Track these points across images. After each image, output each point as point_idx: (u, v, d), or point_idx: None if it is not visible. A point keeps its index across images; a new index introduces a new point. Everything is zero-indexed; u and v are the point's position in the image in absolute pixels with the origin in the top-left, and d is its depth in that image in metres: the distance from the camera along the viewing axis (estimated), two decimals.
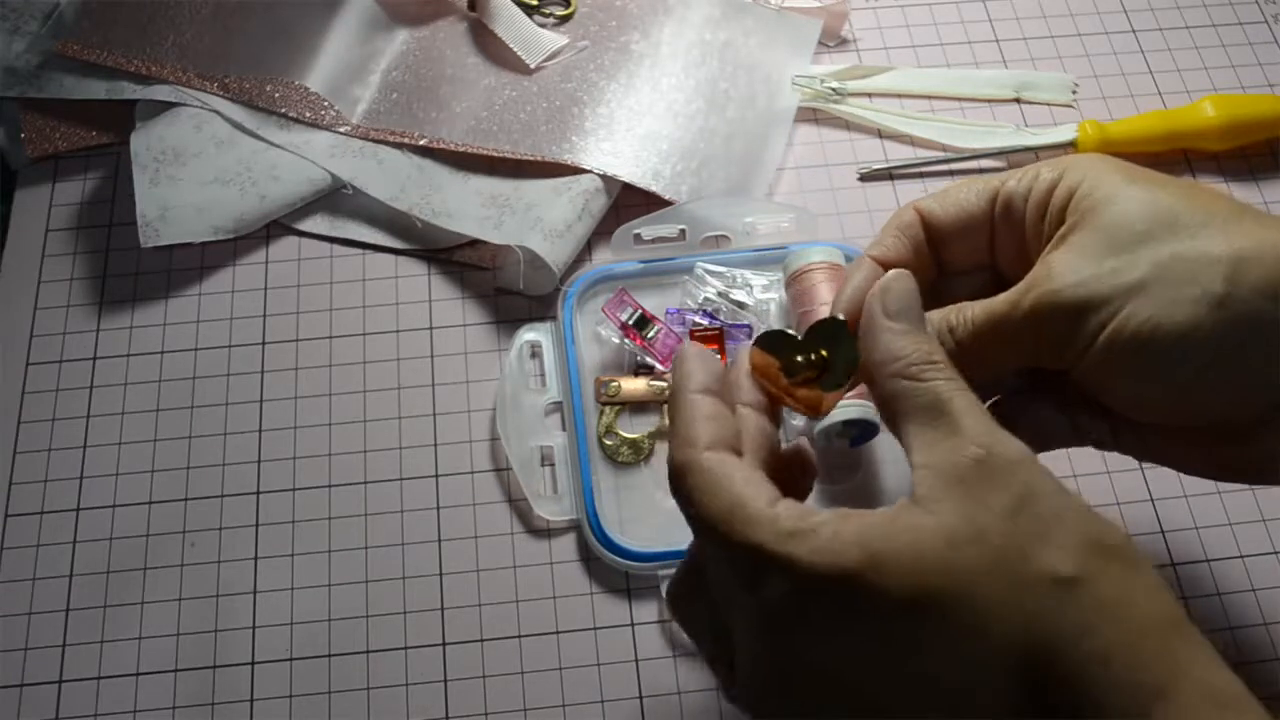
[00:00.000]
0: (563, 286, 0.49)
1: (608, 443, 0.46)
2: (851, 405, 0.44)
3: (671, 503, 0.32)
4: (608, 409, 0.47)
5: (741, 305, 0.48)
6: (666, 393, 0.46)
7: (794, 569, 0.28)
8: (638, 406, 0.47)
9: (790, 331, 0.34)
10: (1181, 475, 0.46)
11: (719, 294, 0.48)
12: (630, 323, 0.47)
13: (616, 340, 0.48)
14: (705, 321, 0.48)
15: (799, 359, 0.33)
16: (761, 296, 0.48)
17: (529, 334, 0.48)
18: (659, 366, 0.47)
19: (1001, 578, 0.27)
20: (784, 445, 0.34)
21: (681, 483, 0.31)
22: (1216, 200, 0.34)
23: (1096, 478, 0.47)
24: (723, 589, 0.31)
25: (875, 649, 0.28)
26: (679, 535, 0.43)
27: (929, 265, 0.37)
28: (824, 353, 0.33)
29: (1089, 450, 0.47)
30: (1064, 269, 0.33)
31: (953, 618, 0.27)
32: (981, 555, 0.27)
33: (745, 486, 0.30)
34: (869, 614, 0.28)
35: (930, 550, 0.27)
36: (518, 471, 0.45)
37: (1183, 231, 0.33)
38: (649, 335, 0.47)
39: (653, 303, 0.48)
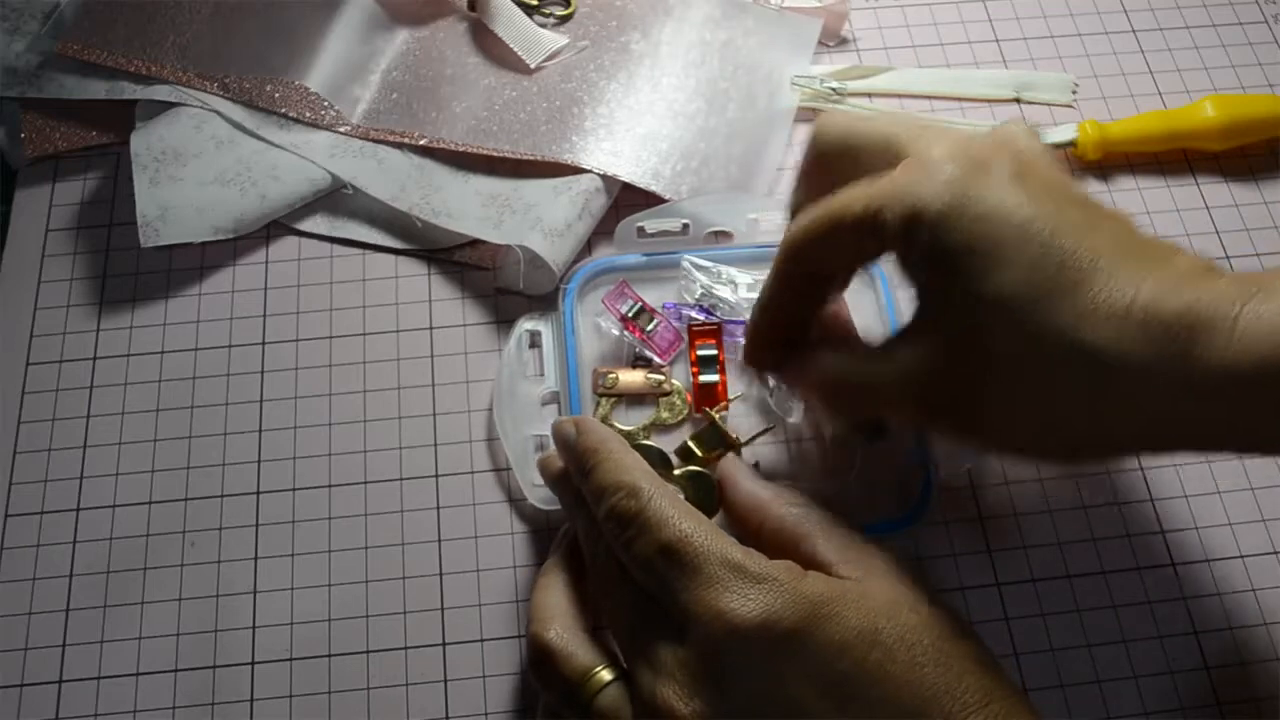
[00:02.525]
0: (562, 284, 0.49)
1: None
2: None
3: None
4: (604, 400, 0.47)
5: (724, 301, 0.48)
6: (663, 386, 0.46)
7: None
8: (634, 399, 0.47)
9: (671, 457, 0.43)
10: (1181, 475, 0.47)
11: (703, 289, 0.48)
12: (630, 315, 0.47)
13: (616, 332, 0.48)
14: (701, 317, 0.48)
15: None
16: (746, 295, 0.49)
17: (528, 324, 0.48)
18: (657, 360, 0.47)
19: None
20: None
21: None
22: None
23: (1097, 478, 0.47)
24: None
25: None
26: None
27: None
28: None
29: None
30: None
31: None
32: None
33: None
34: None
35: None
36: (512, 460, 0.45)
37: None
38: (648, 328, 0.47)
39: (654, 296, 0.49)
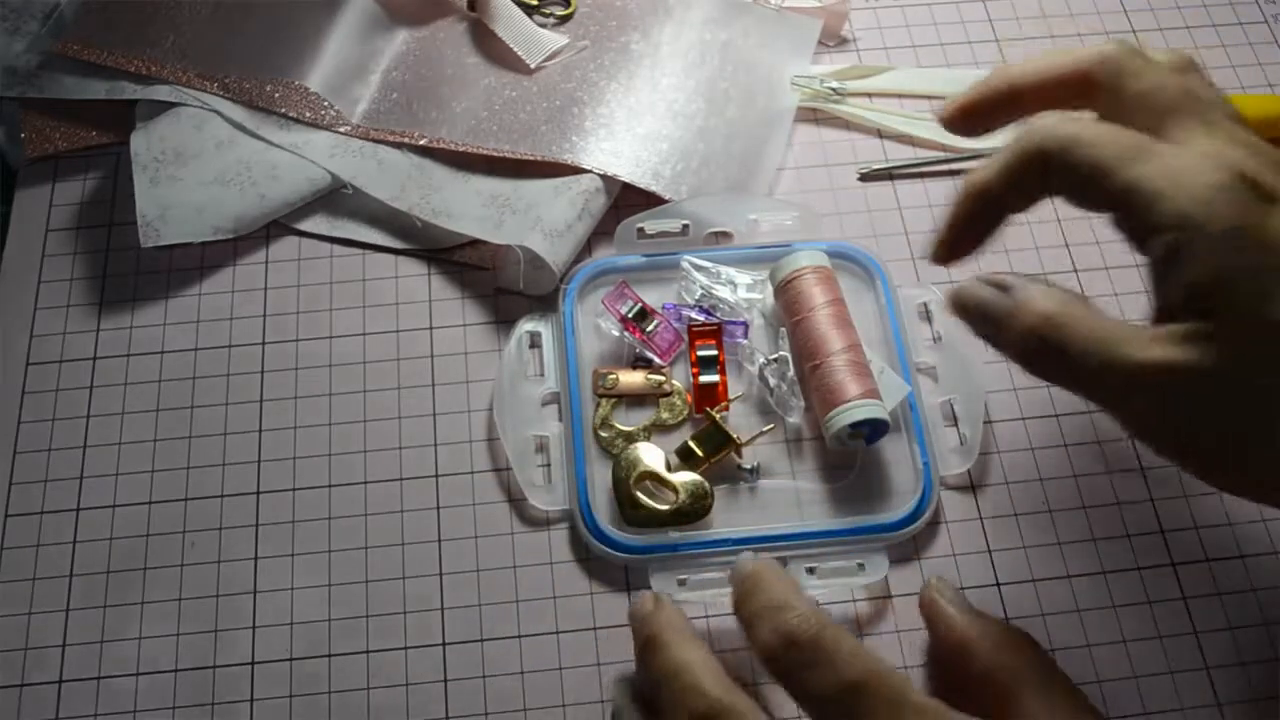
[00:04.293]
0: (563, 285, 0.49)
1: (603, 434, 0.46)
2: (859, 406, 0.44)
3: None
4: (604, 401, 0.47)
5: (724, 302, 0.48)
6: (663, 387, 0.47)
7: None
8: (634, 399, 0.47)
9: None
10: (1181, 475, 0.47)
11: (703, 290, 0.48)
12: (630, 316, 0.47)
13: (616, 333, 0.48)
14: (702, 318, 0.48)
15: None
16: (745, 295, 0.49)
17: (529, 324, 0.48)
18: (657, 360, 0.47)
19: None
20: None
21: None
22: None
23: (1096, 478, 0.47)
24: None
25: None
26: (670, 529, 0.43)
27: None
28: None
29: (1089, 450, 0.47)
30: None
31: None
32: None
33: None
34: None
35: None
36: (512, 459, 0.45)
37: None
38: (648, 329, 0.47)
39: (654, 297, 0.49)
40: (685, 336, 0.48)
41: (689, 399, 0.47)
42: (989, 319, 0.36)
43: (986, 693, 0.37)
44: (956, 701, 0.34)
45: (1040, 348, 0.34)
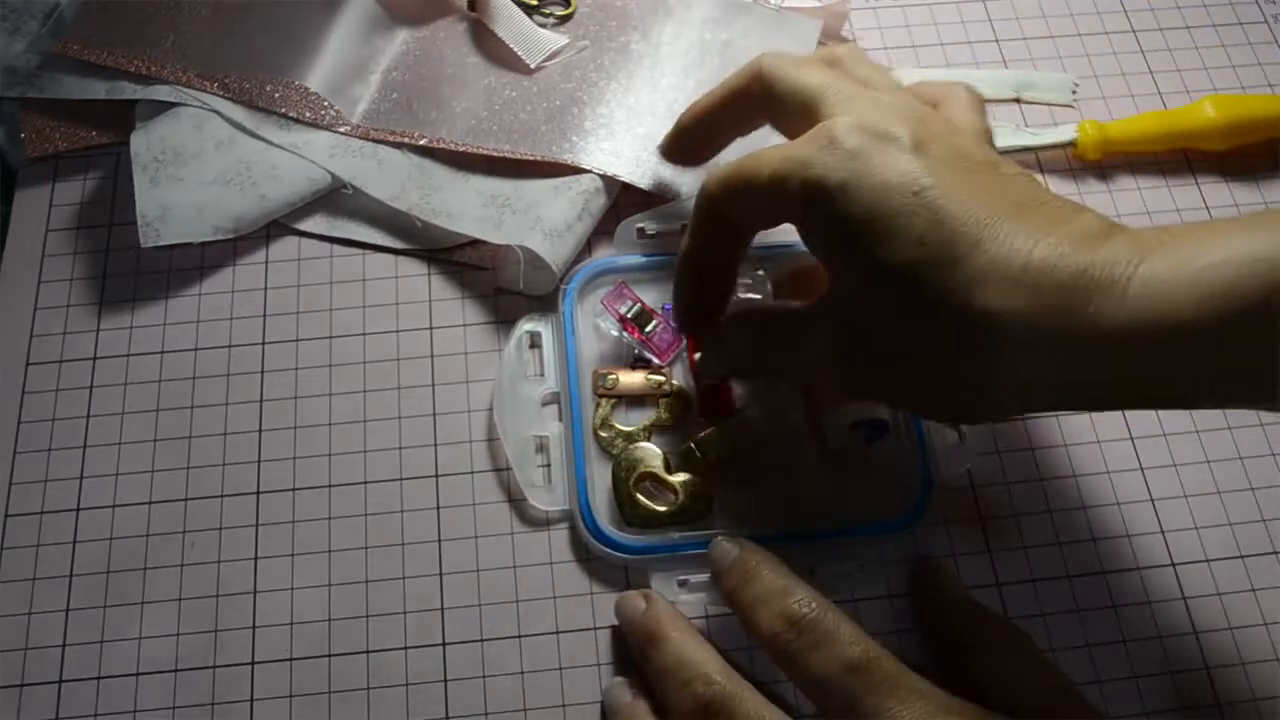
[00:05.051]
0: (562, 285, 0.49)
1: (603, 435, 0.46)
2: (859, 405, 0.44)
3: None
4: (604, 401, 0.47)
5: None
6: (663, 387, 0.46)
7: None
8: (634, 400, 0.47)
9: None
10: (1181, 475, 0.47)
11: None
12: (629, 316, 0.47)
13: (615, 334, 0.48)
14: None
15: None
16: (745, 295, 0.48)
17: (529, 324, 0.48)
18: (657, 361, 0.47)
19: None
20: None
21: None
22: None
23: (1097, 478, 0.47)
24: None
25: None
26: (670, 530, 0.43)
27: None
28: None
29: (1089, 450, 0.47)
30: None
31: None
32: None
33: None
34: None
35: None
36: (512, 459, 0.45)
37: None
38: (648, 330, 0.47)
39: (653, 297, 0.49)
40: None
41: (696, 400, 0.47)
42: (711, 368, 0.44)
43: (975, 677, 0.38)
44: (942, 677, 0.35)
45: (749, 372, 0.44)
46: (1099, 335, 0.31)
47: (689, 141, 0.46)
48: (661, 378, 0.47)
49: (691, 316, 0.43)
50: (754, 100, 0.41)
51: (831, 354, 0.37)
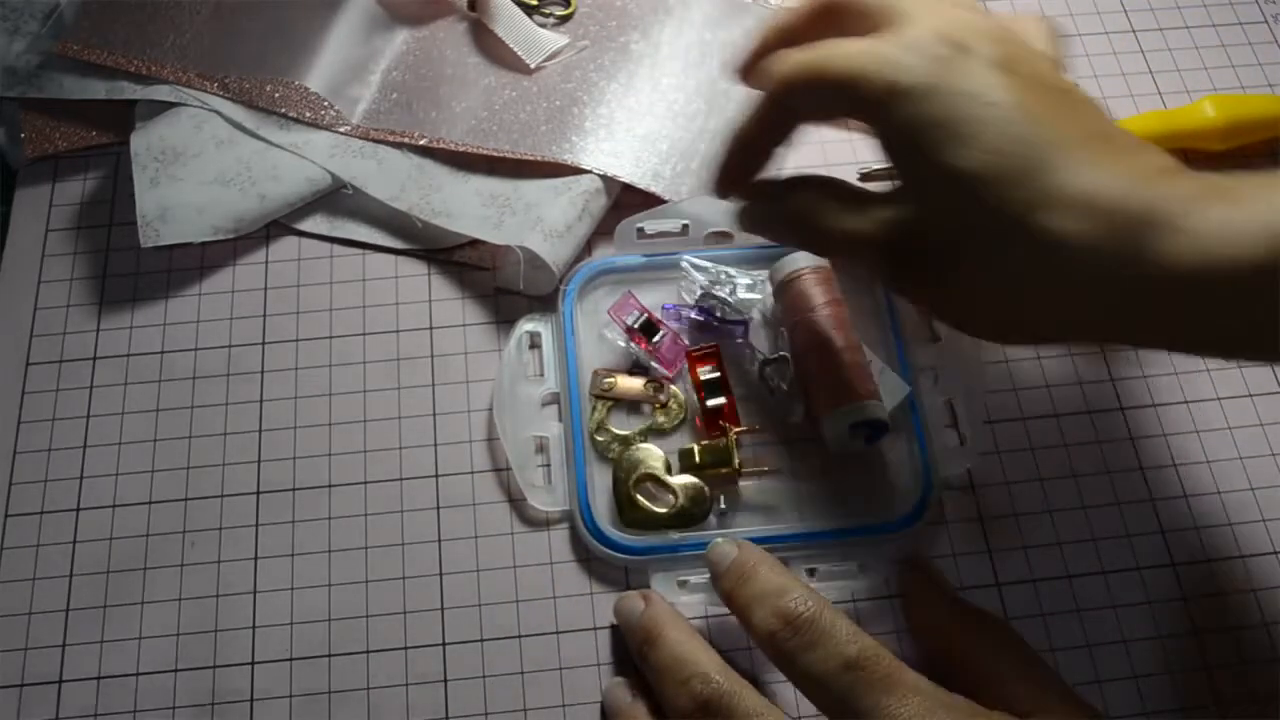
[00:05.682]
0: (562, 285, 0.49)
1: (599, 438, 0.46)
2: (859, 406, 0.44)
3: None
4: (600, 405, 0.47)
5: (724, 302, 0.48)
6: (660, 396, 0.46)
7: None
8: (632, 405, 0.47)
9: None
10: (1181, 475, 0.47)
11: (703, 290, 0.48)
12: (636, 327, 0.47)
13: (622, 344, 0.48)
14: (701, 318, 0.48)
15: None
16: (745, 295, 0.49)
17: (529, 324, 0.48)
18: (663, 372, 0.47)
19: None
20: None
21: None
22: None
23: (1097, 478, 0.47)
24: None
25: None
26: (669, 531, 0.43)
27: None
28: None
29: (1089, 450, 0.47)
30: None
31: None
32: None
33: None
34: None
35: None
36: (512, 460, 0.45)
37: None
38: (655, 340, 0.47)
39: (654, 298, 0.49)
40: (685, 340, 0.48)
41: (699, 399, 0.46)
42: (763, 224, 0.42)
43: (965, 679, 0.37)
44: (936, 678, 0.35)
45: (800, 233, 0.40)
46: (1163, 271, 0.31)
47: (758, 56, 0.43)
48: (660, 384, 0.47)
49: (727, 181, 0.42)
50: (828, 14, 0.40)
51: (888, 240, 0.36)
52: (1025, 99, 0.34)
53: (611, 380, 0.47)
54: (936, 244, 0.35)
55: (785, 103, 0.39)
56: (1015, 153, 0.33)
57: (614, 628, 0.43)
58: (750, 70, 0.43)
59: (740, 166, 0.41)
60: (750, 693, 0.37)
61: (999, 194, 0.33)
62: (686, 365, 0.47)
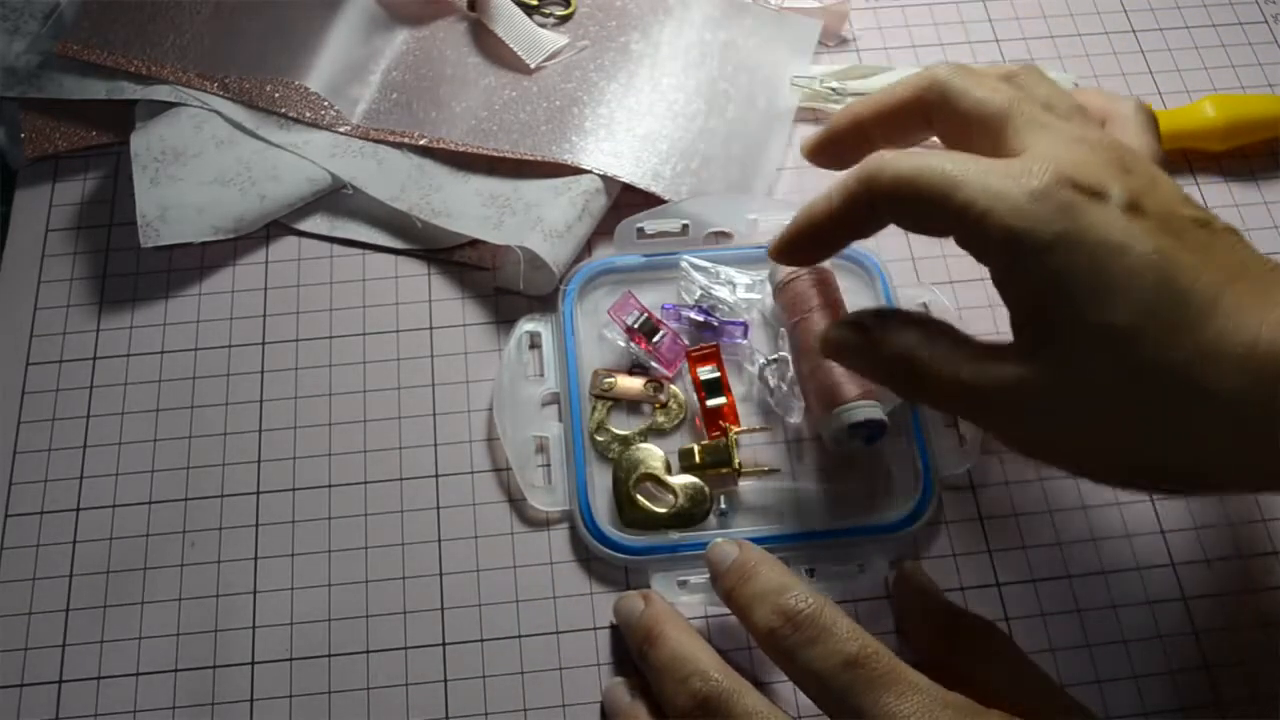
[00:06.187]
0: (562, 285, 0.49)
1: (599, 438, 0.46)
2: (858, 407, 0.44)
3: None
4: (599, 405, 0.47)
5: (723, 302, 0.48)
6: (660, 396, 0.46)
7: None
8: (632, 405, 0.47)
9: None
10: None
11: (703, 290, 0.48)
12: (636, 327, 0.47)
13: (622, 344, 0.48)
14: (701, 318, 0.48)
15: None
16: (744, 295, 0.49)
17: (529, 324, 0.48)
18: (663, 372, 0.47)
19: None
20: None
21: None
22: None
23: None
24: None
25: None
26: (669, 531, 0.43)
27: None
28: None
29: None
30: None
31: None
32: None
33: None
34: None
35: None
36: (512, 460, 0.45)
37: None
38: (655, 341, 0.47)
39: (654, 297, 0.49)
40: (686, 340, 0.48)
41: (699, 399, 0.47)
42: (855, 357, 0.39)
43: (960, 681, 0.37)
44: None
45: (902, 377, 0.37)
46: None
47: (836, 146, 0.41)
48: (660, 384, 0.47)
49: (788, 255, 0.40)
50: (924, 111, 0.38)
51: (1013, 397, 0.34)
52: (1165, 243, 0.32)
53: (611, 380, 0.47)
54: (1072, 399, 0.33)
55: (875, 208, 0.36)
56: (1165, 305, 0.31)
57: (614, 628, 0.43)
58: (822, 152, 0.41)
59: (807, 249, 0.40)
60: (750, 691, 0.37)
61: (1153, 350, 0.31)
62: (686, 365, 0.47)
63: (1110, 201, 0.33)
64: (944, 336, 0.37)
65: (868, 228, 0.37)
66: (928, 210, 0.35)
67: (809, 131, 0.55)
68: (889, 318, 0.38)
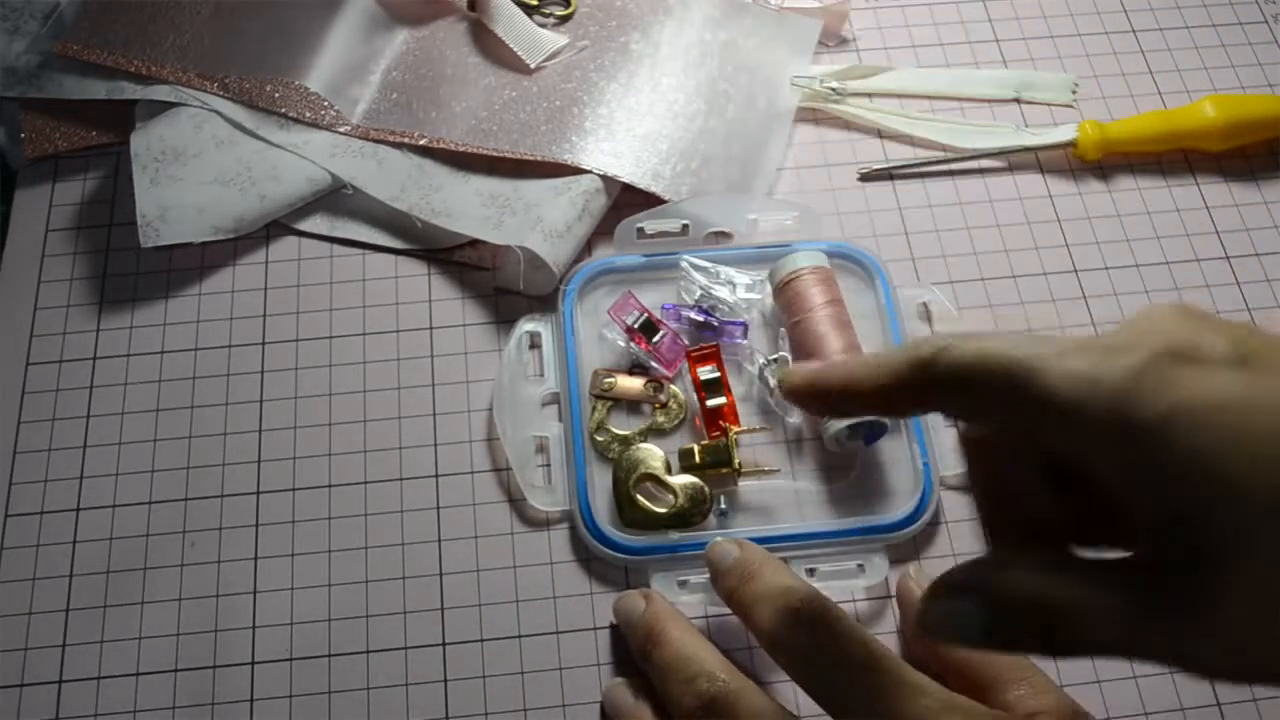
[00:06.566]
0: (562, 285, 0.49)
1: (599, 438, 0.46)
2: None
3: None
4: (600, 405, 0.47)
5: (723, 302, 0.48)
6: (660, 396, 0.46)
7: None
8: (632, 405, 0.47)
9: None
10: None
11: (703, 290, 0.48)
12: (636, 326, 0.47)
13: (622, 344, 0.48)
14: (701, 318, 0.48)
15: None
16: (744, 295, 0.48)
17: (529, 324, 0.48)
18: (663, 371, 0.47)
19: None
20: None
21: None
22: None
23: None
24: None
25: None
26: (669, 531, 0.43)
27: None
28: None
29: None
30: None
31: None
32: None
33: None
34: None
35: None
36: (512, 460, 0.45)
37: None
38: (655, 340, 0.47)
39: (654, 297, 0.49)
40: (686, 340, 0.47)
41: (699, 399, 0.47)
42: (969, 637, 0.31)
43: (962, 681, 0.37)
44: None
45: (1041, 642, 0.29)
46: None
47: (822, 398, 0.34)
48: (660, 384, 0.47)
49: (803, 400, 0.34)
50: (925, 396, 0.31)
51: (1135, 609, 0.27)
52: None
53: (611, 380, 0.47)
54: (1203, 596, 0.26)
55: (926, 397, 0.31)
56: None
57: (614, 628, 0.43)
58: (809, 397, 0.33)
59: (830, 407, 0.35)
60: (756, 692, 0.37)
61: None
62: (686, 365, 0.47)
63: (1211, 357, 0.27)
64: (1060, 564, 0.29)
65: (911, 412, 0.33)
66: (994, 403, 0.29)
67: (809, 131, 0.55)
68: (991, 563, 0.31)
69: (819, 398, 0.33)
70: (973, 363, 0.29)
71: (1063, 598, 0.28)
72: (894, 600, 0.44)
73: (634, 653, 0.41)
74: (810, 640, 0.35)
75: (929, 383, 0.30)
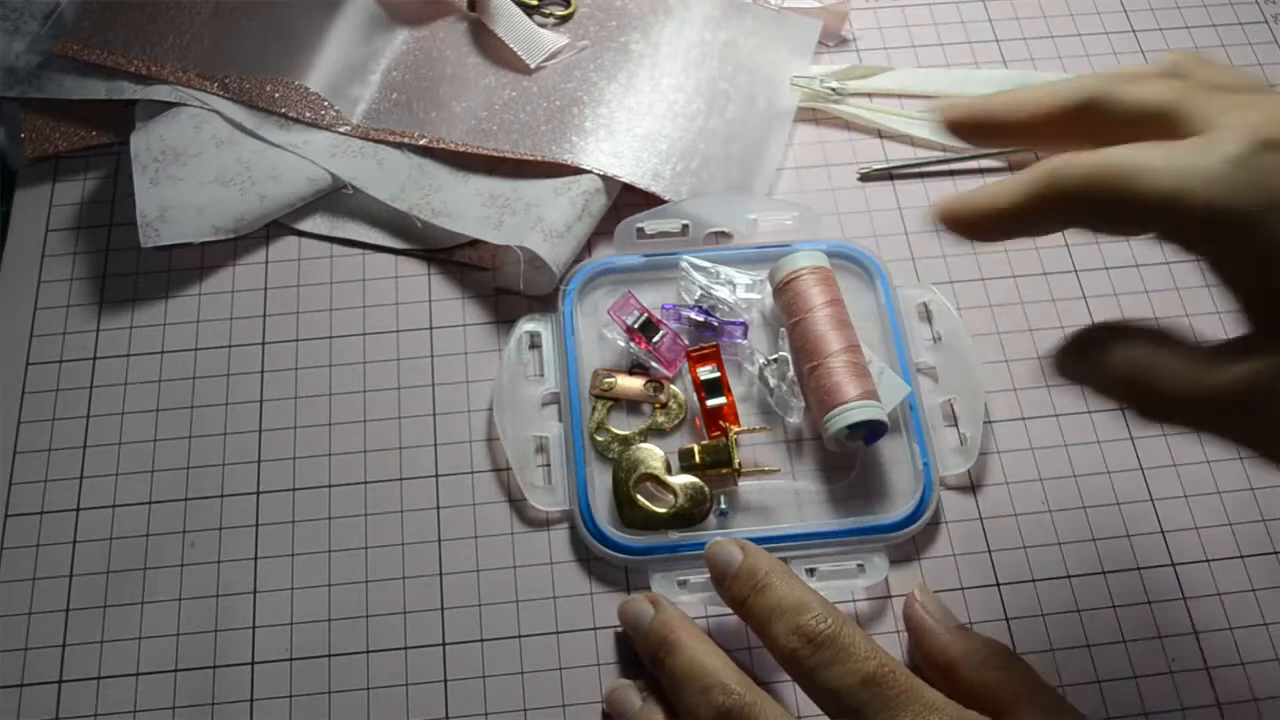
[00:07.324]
0: (562, 285, 0.49)
1: (599, 438, 0.46)
2: (857, 407, 0.44)
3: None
4: (600, 405, 0.47)
5: (723, 302, 0.48)
6: (660, 396, 0.46)
7: None
8: (632, 405, 0.47)
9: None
10: (1181, 475, 0.47)
11: (703, 290, 0.48)
12: (636, 326, 0.47)
13: (622, 344, 0.48)
14: (700, 318, 0.48)
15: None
16: (744, 295, 0.49)
17: (529, 324, 0.48)
18: (662, 371, 0.47)
19: None
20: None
21: None
22: None
23: (1097, 478, 0.47)
24: None
25: None
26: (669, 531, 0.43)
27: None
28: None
29: (1089, 450, 0.47)
30: None
31: None
32: None
33: None
34: None
35: None
36: (512, 460, 0.45)
37: None
38: (655, 340, 0.47)
39: (654, 297, 0.49)
40: (686, 340, 0.47)
41: (699, 399, 0.47)
42: (1082, 378, 0.33)
43: (973, 702, 0.37)
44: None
45: (1138, 395, 0.32)
46: None
47: (980, 126, 0.37)
48: (660, 384, 0.47)
49: (957, 225, 0.35)
50: (1077, 126, 0.34)
51: (1264, 396, 0.29)
52: None
53: (611, 380, 0.47)
54: None
55: (1058, 208, 0.32)
56: None
57: (614, 628, 0.43)
58: (966, 125, 0.36)
59: (977, 228, 0.34)
60: (771, 705, 0.37)
61: None
62: (686, 365, 0.47)
63: None
64: (1172, 345, 0.31)
65: (1048, 228, 0.33)
66: (1114, 204, 0.30)
67: (809, 131, 0.55)
68: (1116, 333, 0.33)
69: (969, 221, 0.34)
70: (1092, 169, 0.31)
71: (1155, 363, 0.31)
72: (892, 600, 0.44)
73: (644, 659, 0.41)
74: (825, 658, 0.36)
75: (1062, 192, 0.31)
